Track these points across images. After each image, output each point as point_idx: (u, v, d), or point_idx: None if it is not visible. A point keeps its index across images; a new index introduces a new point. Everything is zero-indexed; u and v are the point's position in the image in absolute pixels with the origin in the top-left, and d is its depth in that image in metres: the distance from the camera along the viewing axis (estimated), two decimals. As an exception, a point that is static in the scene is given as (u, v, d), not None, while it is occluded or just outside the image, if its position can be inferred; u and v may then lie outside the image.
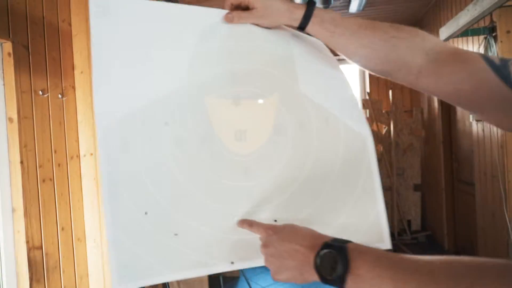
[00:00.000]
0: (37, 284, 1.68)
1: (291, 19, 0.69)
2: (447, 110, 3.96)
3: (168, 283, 2.39)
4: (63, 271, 1.86)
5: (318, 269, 0.51)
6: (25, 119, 1.68)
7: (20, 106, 1.65)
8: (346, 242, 0.52)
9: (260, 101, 0.70)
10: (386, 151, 4.55)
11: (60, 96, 1.93)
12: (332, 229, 0.68)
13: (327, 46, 0.77)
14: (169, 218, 0.63)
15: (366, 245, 0.73)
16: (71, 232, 1.94)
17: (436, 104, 4.09)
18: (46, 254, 1.75)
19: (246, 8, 0.71)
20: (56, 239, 1.82)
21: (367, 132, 0.74)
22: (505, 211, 2.54)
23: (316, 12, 0.67)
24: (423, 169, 4.65)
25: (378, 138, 4.66)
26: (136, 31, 0.66)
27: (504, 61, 0.58)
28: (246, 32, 0.71)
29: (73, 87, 2.05)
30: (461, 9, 2.47)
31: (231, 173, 0.67)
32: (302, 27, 0.69)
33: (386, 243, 0.72)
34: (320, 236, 0.56)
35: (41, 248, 1.72)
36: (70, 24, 2.03)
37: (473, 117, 3.07)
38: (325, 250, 0.51)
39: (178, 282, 2.83)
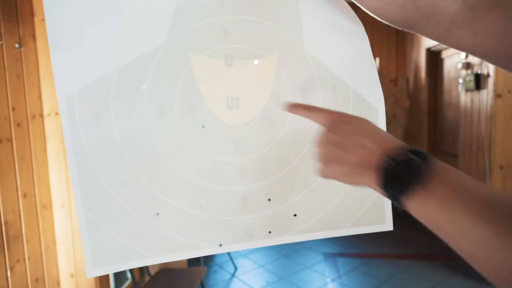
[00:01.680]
0: (-5, 255, 1.52)
1: None
2: (434, 80, 3.89)
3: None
4: (27, 241, 1.70)
5: (385, 176, 0.42)
6: (-26, 69, 1.45)
7: (-33, 54, 1.42)
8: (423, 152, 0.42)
9: (256, 62, 0.60)
10: (370, 120, 4.51)
11: (17, 45, 1.68)
12: (330, 208, 0.63)
13: None
14: (148, 196, 0.57)
15: (367, 225, 0.64)
16: (34, 199, 1.77)
17: (423, 73, 4.01)
18: (6, 222, 1.58)
19: None
20: (17, 206, 1.65)
21: (380, 102, 0.65)
22: (488, 183, 2.53)
23: None
24: (405, 139, 4.64)
25: (362, 107, 4.58)
26: None
27: None
28: None
29: (33, 36, 1.80)
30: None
31: (221, 146, 0.59)
32: None
33: (388, 225, 0.67)
34: (393, 139, 0.47)
35: (-1, 216, 1.55)
36: (28, -38, 1.75)
37: (462, 87, 3.00)
38: (404, 156, 0.42)
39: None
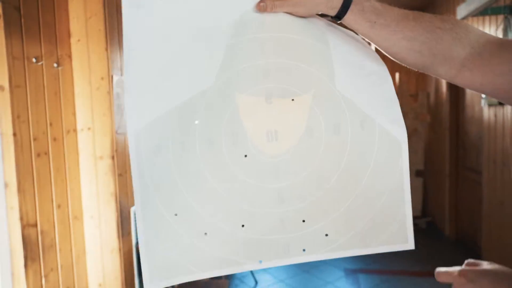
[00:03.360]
0: (32, 262, 1.60)
1: (328, 8, 0.63)
2: (456, 94, 3.86)
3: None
4: (60, 250, 1.78)
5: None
6: (17, 88, 1.56)
7: (11, 74, 1.52)
8: None
9: (293, 99, 0.66)
10: (390, 135, 4.48)
11: (55, 65, 1.80)
12: (356, 230, 0.68)
13: (364, 38, 0.70)
14: (198, 218, 0.63)
15: (391, 244, 0.68)
16: (67, 210, 1.85)
17: (444, 88, 3.99)
18: (42, 232, 1.66)
19: None
20: (52, 216, 1.73)
21: (404, 136, 0.70)
22: (514, 199, 2.48)
23: (356, 0, 0.62)
24: (426, 155, 4.58)
25: (382, 121, 4.57)
26: (166, 26, 0.64)
27: None
28: (279, 23, 0.66)
29: (70, 56, 1.92)
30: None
31: (261, 174, 0.65)
32: (339, 16, 0.63)
33: (410, 244, 0.71)
34: None
35: (36, 225, 1.63)
36: (66, -12, 1.88)
37: (484, 101, 2.98)
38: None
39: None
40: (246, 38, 0.65)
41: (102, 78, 1.93)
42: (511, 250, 2.56)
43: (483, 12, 2.49)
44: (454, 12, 3.36)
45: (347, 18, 0.63)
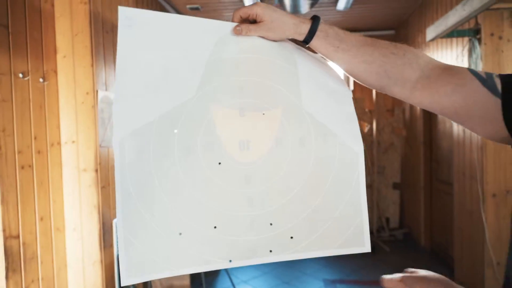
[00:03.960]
0: (13, 273, 1.61)
1: (297, 33, 0.72)
2: (428, 111, 4.05)
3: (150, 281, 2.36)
4: (41, 262, 1.79)
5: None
6: (3, 102, 1.60)
7: (-2, 88, 1.57)
8: None
9: (264, 113, 0.73)
10: (368, 149, 4.62)
11: (41, 80, 1.84)
12: (318, 234, 0.75)
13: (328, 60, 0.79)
14: (174, 219, 0.68)
15: (350, 247, 0.75)
16: (50, 222, 1.87)
17: (418, 104, 4.17)
18: (24, 243, 1.67)
19: (253, 21, 0.73)
20: (34, 228, 1.75)
21: (360, 148, 0.79)
22: (481, 211, 2.62)
23: (321, 27, 0.71)
24: (403, 168, 4.75)
25: (360, 136, 4.72)
26: (155, 44, 0.71)
27: (489, 74, 0.66)
28: (253, 45, 0.75)
29: (55, 71, 1.97)
30: (446, 11, 2.50)
31: (233, 180, 0.71)
32: (306, 41, 0.72)
33: (366, 247, 0.78)
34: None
35: (18, 237, 1.65)
36: (53, 5, 1.94)
37: (454, 118, 3.15)
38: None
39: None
40: (223, 57, 0.73)
41: (87, 93, 1.99)
42: (481, 260, 2.68)
43: (449, 34, 2.67)
44: (424, 33, 3.56)
45: (314, 43, 0.72)
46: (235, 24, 0.73)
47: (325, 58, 0.77)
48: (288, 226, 0.74)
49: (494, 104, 0.63)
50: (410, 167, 4.55)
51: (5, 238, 1.57)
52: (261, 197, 0.72)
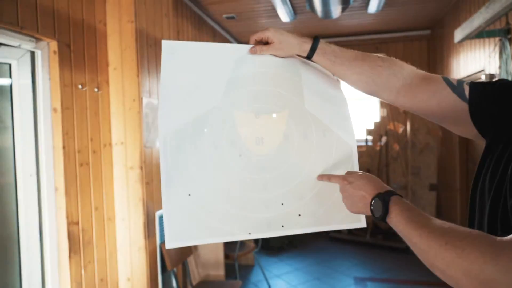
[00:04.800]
0: (74, 255, 1.91)
1: (301, 51, 0.89)
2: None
3: (188, 265, 2.60)
4: (96, 246, 2.08)
5: (371, 210, 0.74)
6: (66, 109, 1.90)
7: (63, 98, 1.87)
8: (395, 194, 0.72)
9: (274, 115, 0.91)
10: (402, 150, 4.61)
11: (96, 89, 2.14)
12: (321, 212, 0.91)
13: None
14: (206, 200, 0.85)
15: (348, 222, 0.92)
16: (103, 212, 2.16)
17: (453, 104, 4.11)
18: (82, 229, 1.97)
19: (266, 43, 0.91)
20: (90, 217, 2.05)
21: (354, 142, 0.96)
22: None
23: (320, 46, 0.87)
24: (439, 169, 4.68)
25: (395, 137, 4.72)
26: (190, 66, 0.90)
27: (460, 82, 0.77)
28: (265, 61, 0.93)
29: (107, 82, 2.26)
30: (479, 10, 2.53)
31: (251, 168, 0.89)
32: (309, 57, 0.89)
33: (362, 223, 0.93)
34: (381, 187, 0.76)
35: (78, 224, 1.94)
36: (105, 25, 2.24)
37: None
38: (375, 199, 0.73)
39: (197, 264, 3.03)
40: (242, 72, 0.92)
41: (133, 100, 2.27)
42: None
43: (478, 35, 2.68)
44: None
45: (315, 58, 0.89)
46: (251, 45, 0.92)
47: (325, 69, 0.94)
48: (296, 206, 0.90)
49: (463, 108, 0.75)
50: (446, 168, 4.48)
51: (68, 224, 1.87)
52: (274, 182, 0.89)
